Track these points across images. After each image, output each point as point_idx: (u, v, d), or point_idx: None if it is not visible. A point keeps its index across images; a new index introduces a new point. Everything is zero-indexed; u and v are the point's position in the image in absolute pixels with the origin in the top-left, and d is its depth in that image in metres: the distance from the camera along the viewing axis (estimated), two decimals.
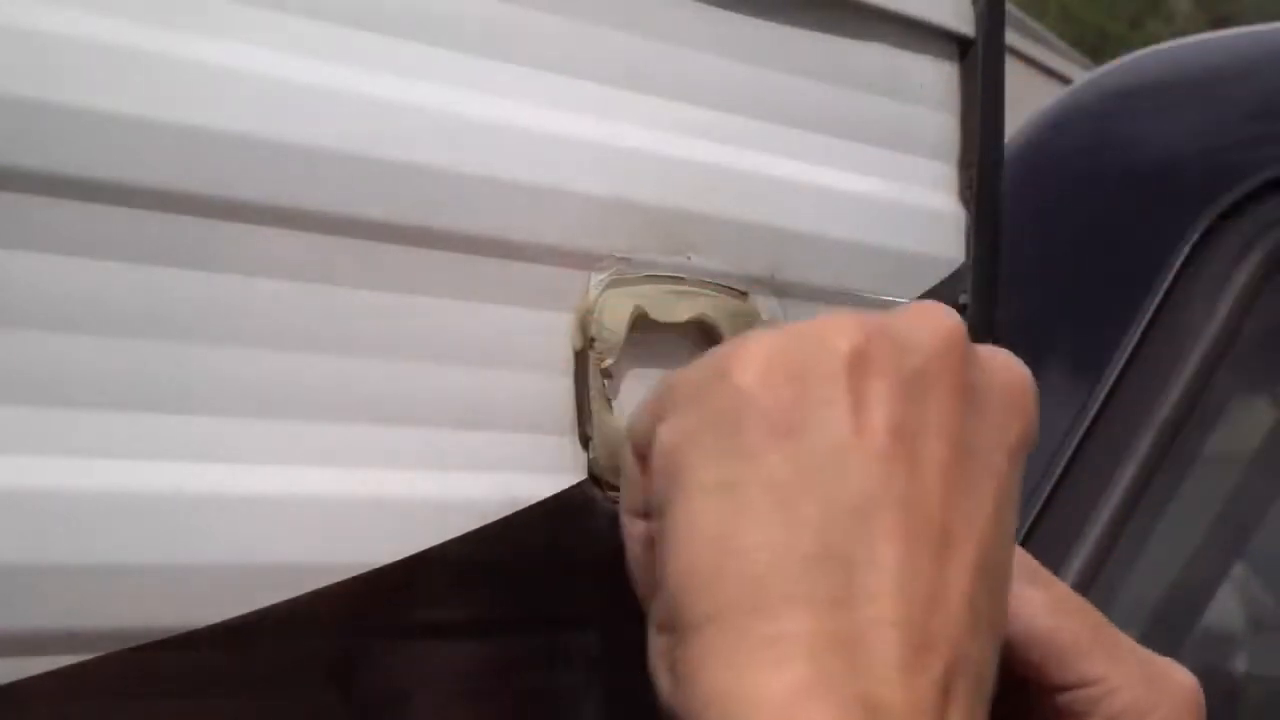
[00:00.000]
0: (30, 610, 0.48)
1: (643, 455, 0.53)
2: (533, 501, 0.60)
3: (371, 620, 0.56)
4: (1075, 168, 1.33)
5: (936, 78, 0.76)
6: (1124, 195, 1.28)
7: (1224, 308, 1.20)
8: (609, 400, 0.62)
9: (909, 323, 0.52)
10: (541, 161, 0.60)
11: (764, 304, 0.67)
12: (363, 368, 0.55)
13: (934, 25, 0.75)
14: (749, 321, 0.66)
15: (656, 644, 0.50)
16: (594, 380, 0.61)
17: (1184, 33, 3.25)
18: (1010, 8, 1.21)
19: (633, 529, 0.55)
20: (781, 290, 0.68)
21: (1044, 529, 1.16)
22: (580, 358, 0.62)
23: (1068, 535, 1.16)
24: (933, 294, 0.75)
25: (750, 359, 0.51)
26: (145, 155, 0.49)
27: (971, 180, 0.77)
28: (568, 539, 0.61)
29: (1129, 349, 1.20)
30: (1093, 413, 1.20)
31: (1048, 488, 1.17)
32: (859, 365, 0.50)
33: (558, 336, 0.61)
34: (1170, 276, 1.21)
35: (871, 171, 0.73)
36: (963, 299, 0.77)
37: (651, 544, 0.53)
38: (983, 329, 0.77)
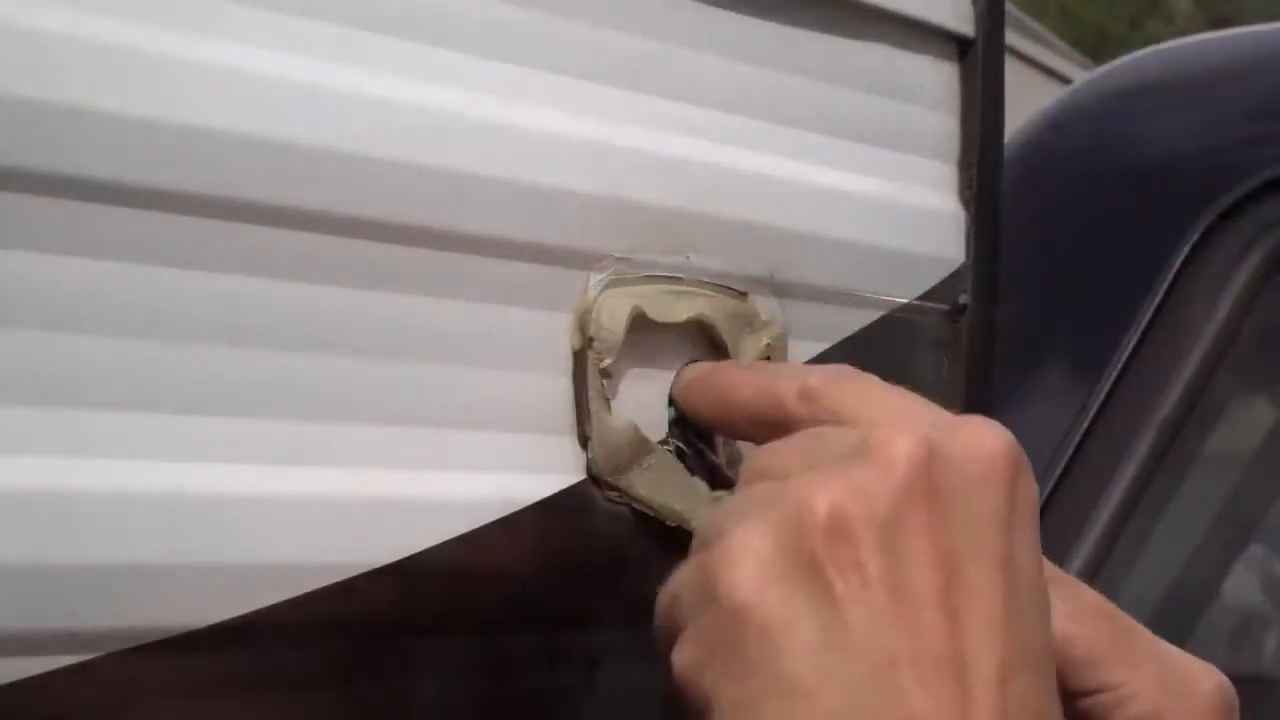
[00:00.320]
0: (30, 610, 0.48)
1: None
2: (532, 501, 0.60)
3: (371, 620, 0.56)
4: (1075, 168, 1.33)
5: (936, 78, 0.76)
6: (1124, 195, 1.28)
7: (1224, 308, 1.20)
8: (608, 400, 0.62)
9: (878, 457, 0.52)
10: (541, 161, 0.60)
11: (763, 304, 0.67)
12: (362, 368, 0.55)
13: (934, 25, 0.75)
14: (748, 321, 0.66)
15: None
16: (593, 380, 0.61)
17: (1184, 33, 3.26)
18: (1010, 8, 1.21)
19: None
20: (781, 290, 0.68)
21: (1044, 529, 1.16)
22: (579, 358, 0.62)
23: (1068, 535, 1.16)
24: (933, 294, 0.75)
25: (735, 575, 0.51)
26: (145, 155, 0.49)
27: (971, 180, 0.77)
28: (567, 539, 0.61)
29: (1129, 349, 1.20)
30: (1093, 413, 1.20)
31: (1048, 488, 1.17)
32: (837, 534, 0.51)
33: (557, 336, 0.61)
34: (1170, 276, 1.21)
35: (871, 171, 0.73)
36: (963, 299, 0.77)
37: None
38: (983, 329, 0.77)
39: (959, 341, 0.77)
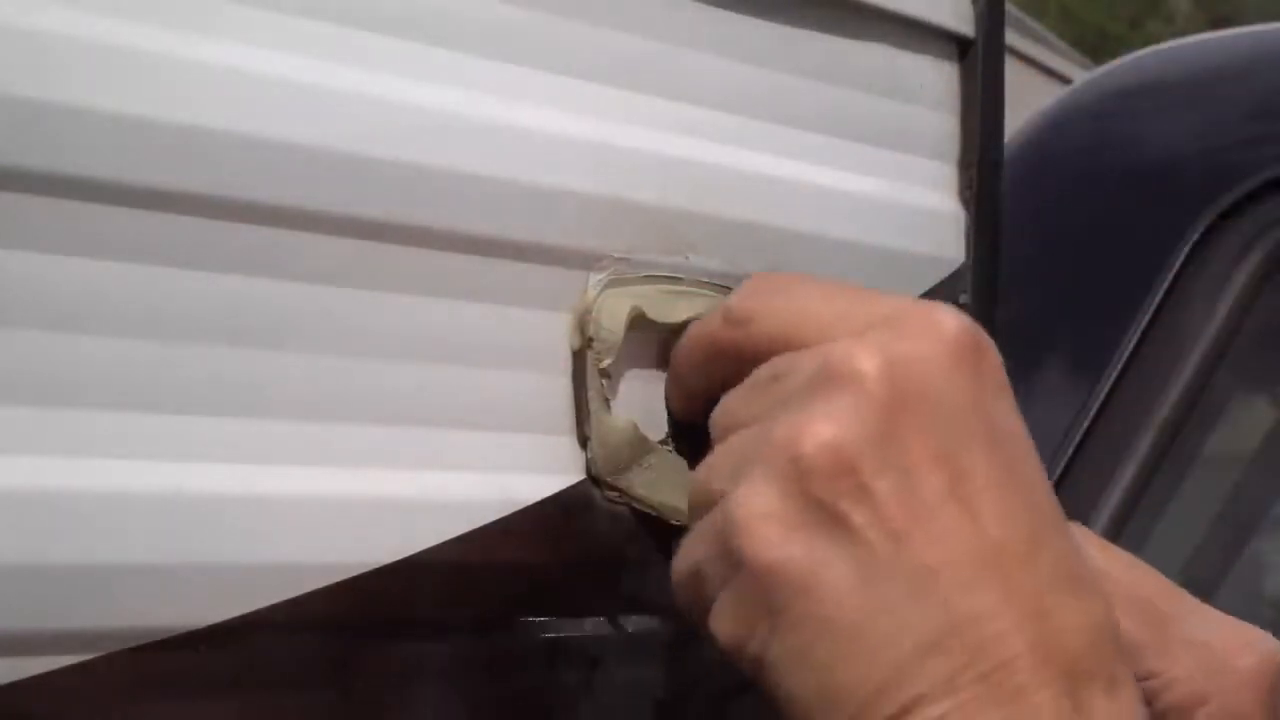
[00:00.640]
0: (30, 610, 0.48)
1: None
2: (532, 501, 0.60)
3: (371, 620, 0.56)
4: (1075, 168, 1.33)
5: (936, 78, 0.76)
6: (1124, 195, 1.28)
7: (1224, 308, 1.20)
8: (607, 400, 0.62)
9: (842, 387, 0.52)
10: (541, 161, 0.60)
11: None
12: (362, 368, 0.55)
13: (934, 25, 0.75)
14: None
15: None
16: (592, 380, 0.61)
17: (1184, 33, 3.26)
18: (1010, 8, 1.21)
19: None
20: None
21: None
22: (579, 357, 0.62)
23: None
24: (933, 294, 0.75)
25: (752, 539, 0.51)
26: (145, 155, 0.49)
27: (971, 180, 0.77)
28: (567, 539, 0.61)
29: (1129, 349, 1.20)
30: (1093, 413, 1.20)
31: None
32: (836, 469, 0.51)
33: (556, 336, 0.61)
34: (1170, 276, 1.21)
35: (871, 171, 0.73)
36: (963, 299, 0.77)
37: None
38: (983, 329, 0.77)
39: None
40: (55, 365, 0.48)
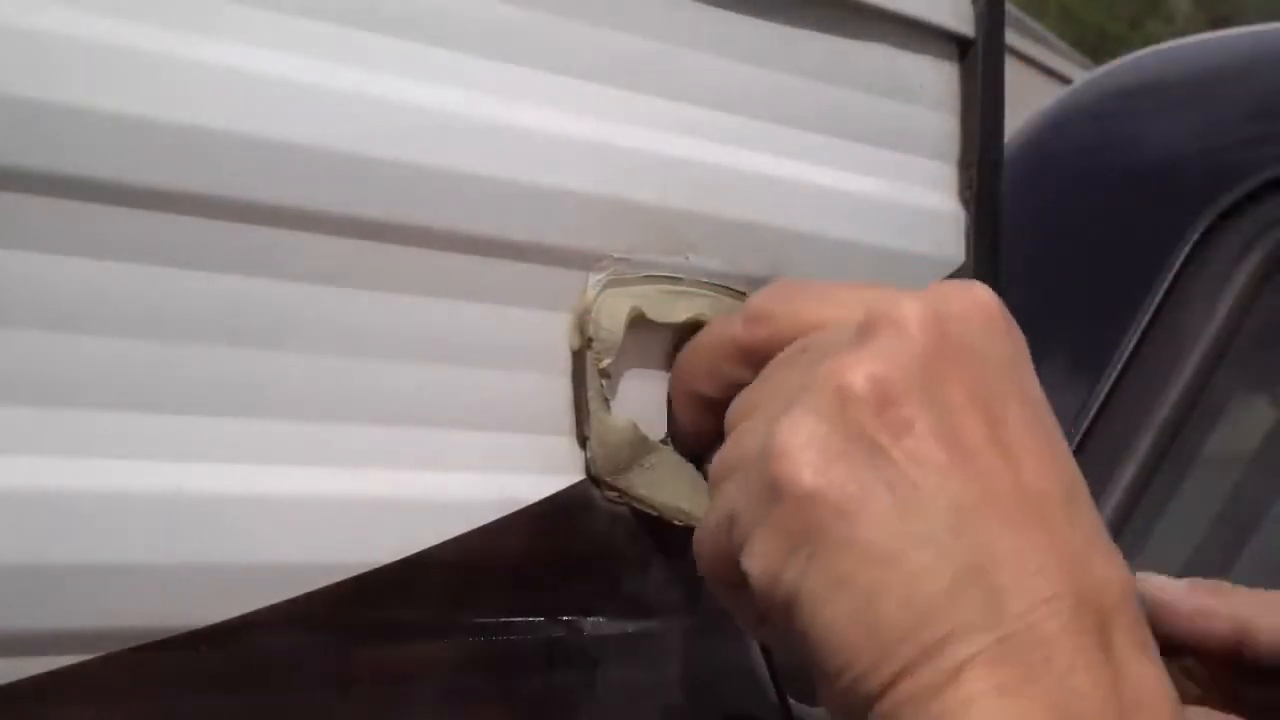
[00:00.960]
0: (30, 610, 0.48)
1: (731, 579, 0.54)
2: (531, 501, 0.60)
3: (371, 620, 0.56)
4: (1075, 168, 1.33)
5: (936, 78, 0.76)
6: (1124, 195, 1.28)
7: (1224, 308, 1.20)
8: (607, 400, 0.62)
9: (888, 330, 0.52)
10: (541, 161, 0.60)
11: None
12: (363, 368, 0.55)
13: (934, 25, 0.75)
14: None
15: (839, 716, 0.52)
16: (592, 380, 0.61)
17: (1184, 33, 3.26)
18: (1010, 8, 1.21)
19: (763, 636, 0.57)
20: None
21: None
22: (578, 358, 0.62)
23: None
24: None
25: (793, 465, 0.51)
26: (145, 155, 0.49)
27: (971, 180, 0.77)
28: (566, 539, 0.61)
29: (1129, 349, 1.20)
30: (1093, 413, 1.20)
31: None
32: (881, 401, 0.51)
33: (556, 336, 0.61)
34: (1170, 276, 1.21)
35: (871, 171, 0.73)
36: None
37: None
38: None
39: None
40: (55, 365, 0.48)
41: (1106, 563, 0.51)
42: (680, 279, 0.65)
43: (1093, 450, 1.19)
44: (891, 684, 0.49)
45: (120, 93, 0.48)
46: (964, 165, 0.77)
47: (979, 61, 0.77)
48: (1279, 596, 0.67)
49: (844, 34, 0.72)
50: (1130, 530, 1.20)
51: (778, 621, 0.52)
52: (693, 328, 0.65)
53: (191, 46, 0.50)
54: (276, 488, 0.53)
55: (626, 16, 0.63)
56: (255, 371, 0.52)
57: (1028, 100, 1.53)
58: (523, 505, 0.59)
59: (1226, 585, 0.67)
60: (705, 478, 0.64)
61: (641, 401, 0.64)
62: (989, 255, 0.78)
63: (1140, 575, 0.59)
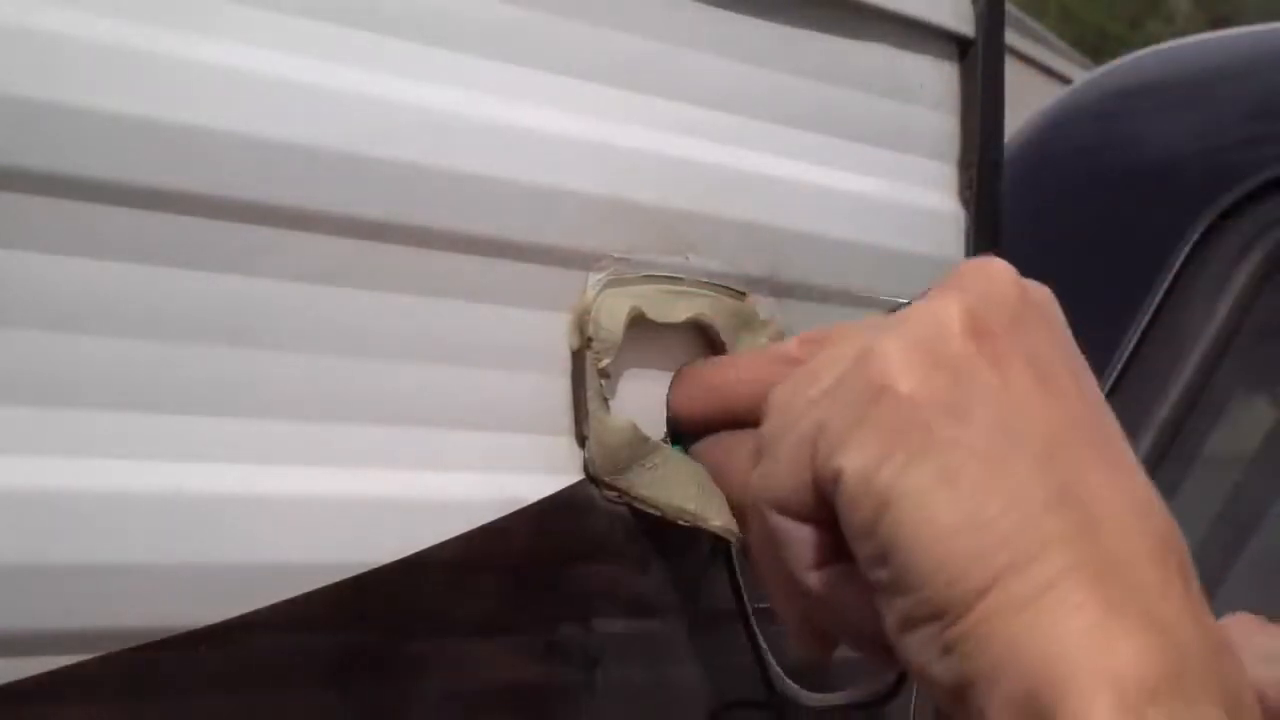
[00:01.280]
0: (30, 610, 0.48)
1: (799, 509, 0.55)
2: (532, 501, 0.60)
3: (371, 620, 0.56)
4: (1075, 168, 1.33)
5: (936, 78, 0.76)
6: (1124, 195, 1.28)
7: (1224, 307, 1.20)
8: (606, 400, 0.62)
9: (979, 277, 0.55)
10: (541, 161, 0.60)
11: (763, 304, 0.67)
12: (362, 367, 0.55)
13: (934, 25, 0.75)
14: (747, 321, 0.66)
15: (914, 641, 0.52)
16: (591, 380, 0.61)
17: (1184, 33, 3.26)
18: (1010, 8, 1.21)
19: (817, 578, 0.56)
20: (781, 290, 0.68)
21: None
22: (578, 358, 0.62)
23: None
24: None
25: (895, 365, 0.52)
26: (145, 155, 0.49)
27: (971, 180, 0.77)
28: (566, 539, 0.61)
29: (1129, 349, 1.20)
30: None
31: None
32: (979, 331, 0.53)
33: (556, 336, 0.61)
34: (1170, 276, 1.20)
35: (871, 171, 0.73)
36: None
37: (846, 579, 0.54)
38: None
39: None
40: (55, 365, 0.48)
41: (1168, 515, 0.53)
42: (680, 279, 0.65)
43: None
44: (985, 590, 0.50)
45: (120, 93, 0.48)
46: (964, 165, 0.77)
47: (979, 61, 0.77)
48: (1259, 641, 0.67)
49: (844, 34, 0.72)
50: None
51: (861, 529, 0.52)
52: (693, 327, 0.65)
53: (191, 46, 0.50)
54: (276, 488, 0.53)
55: (626, 16, 0.63)
56: (255, 371, 0.52)
57: (1028, 100, 1.53)
58: (523, 505, 0.59)
59: None
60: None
61: (641, 401, 0.64)
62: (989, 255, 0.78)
63: None
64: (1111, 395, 1.20)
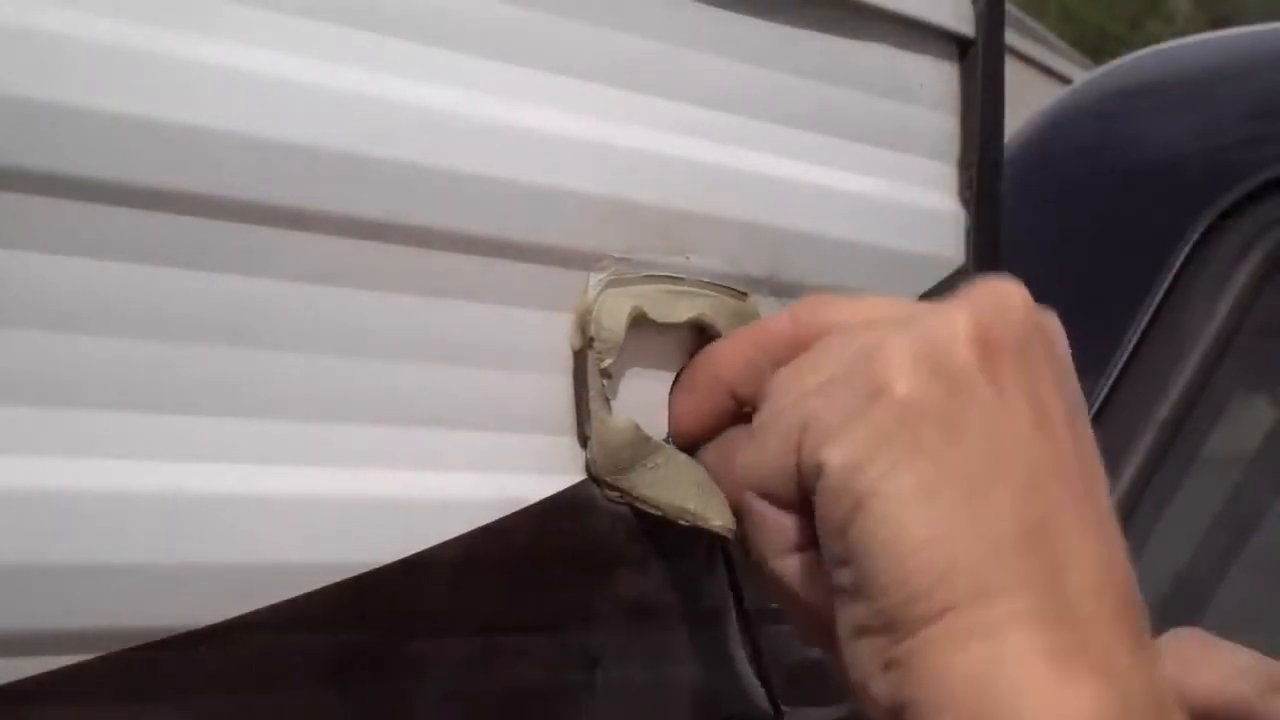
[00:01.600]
0: (30, 610, 0.48)
1: (779, 495, 0.55)
2: (532, 501, 0.59)
3: (371, 620, 0.56)
4: (1075, 168, 1.33)
5: (936, 78, 0.76)
6: (1124, 195, 1.28)
7: (1224, 307, 1.20)
8: (608, 400, 0.62)
9: (994, 296, 0.54)
10: (541, 161, 0.60)
11: (763, 304, 0.67)
12: (362, 367, 0.55)
13: (934, 25, 0.75)
14: (748, 321, 0.66)
15: (861, 650, 0.52)
16: (593, 380, 0.61)
17: (1184, 33, 3.26)
18: (1010, 8, 1.21)
19: (785, 566, 0.56)
20: (781, 290, 0.68)
21: None
22: (579, 358, 0.62)
23: None
24: (933, 294, 0.75)
25: (896, 367, 0.52)
26: (145, 155, 0.49)
27: (971, 180, 0.77)
28: (567, 539, 0.61)
29: (1129, 349, 1.20)
30: (1093, 413, 1.20)
31: None
32: (985, 349, 0.53)
33: (557, 336, 0.61)
34: (1170, 276, 1.21)
35: (871, 171, 0.73)
36: None
37: (813, 571, 0.54)
38: None
39: None
40: (55, 365, 0.48)
41: (1125, 557, 0.53)
42: (681, 279, 0.65)
43: None
44: (941, 614, 0.49)
45: (120, 93, 0.48)
46: (964, 165, 0.77)
47: (979, 61, 0.77)
48: (1214, 656, 0.67)
49: (844, 34, 0.72)
50: (1131, 530, 1.19)
51: (834, 528, 0.52)
52: (694, 328, 0.65)
53: (191, 46, 0.50)
54: (276, 488, 0.53)
55: (626, 16, 0.63)
56: (255, 371, 0.52)
57: (1028, 100, 1.53)
58: (523, 505, 0.59)
59: (1160, 646, 0.67)
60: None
61: (643, 401, 0.63)
62: (989, 255, 0.78)
63: None
64: (1111, 395, 1.20)
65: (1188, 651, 0.68)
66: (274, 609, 0.52)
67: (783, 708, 0.69)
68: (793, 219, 0.69)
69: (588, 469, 0.62)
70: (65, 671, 0.48)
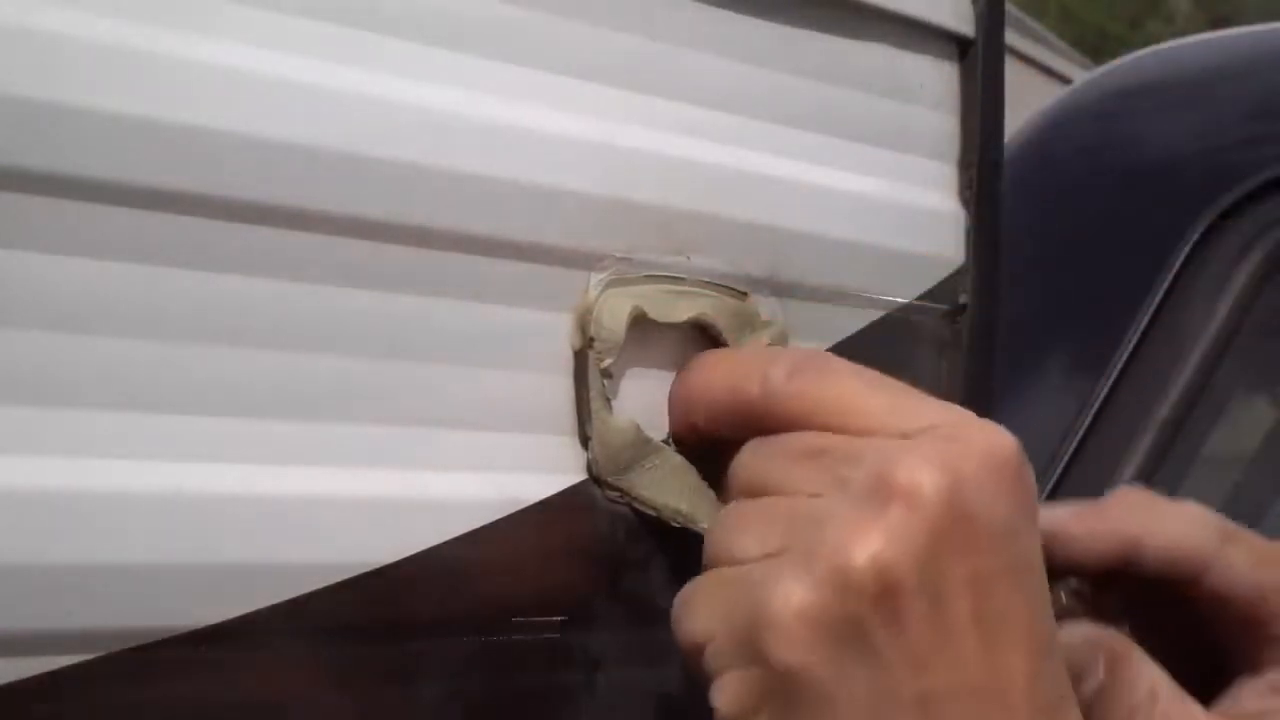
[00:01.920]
0: (30, 610, 0.48)
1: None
2: (532, 501, 0.59)
3: (372, 620, 0.56)
4: (1075, 168, 1.33)
5: (936, 78, 0.76)
6: (1124, 195, 1.28)
7: (1224, 307, 1.20)
8: (608, 400, 0.62)
9: (900, 497, 0.52)
10: (541, 161, 0.60)
11: (764, 304, 0.67)
12: (362, 368, 0.55)
13: (934, 25, 0.75)
14: (748, 321, 0.66)
15: None
16: (593, 380, 0.61)
17: (1184, 33, 3.25)
18: (1010, 8, 1.21)
19: None
20: (781, 290, 0.68)
21: None
22: (580, 358, 0.62)
23: None
24: (932, 294, 0.75)
25: (783, 638, 0.52)
26: (145, 155, 0.49)
27: (971, 180, 0.77)
28: (567, 539, 0.61)
29: (1129, 349, 1.20)
30: (1093, 413, 1.20)
31: (1048, 488, 1.17)
32: (880, 591, 0.51)
33: (557, 336, 0.61)
34: (1170, 276, 1.21)
35: (871, 171, 0.73)
36: (963, 299, 0.77)
37: None
38: (983, 329, 0.77)
39: (959, 341, 0.77)
40: (55, 365, 0.48)
41: None
42: (681, 279, 0.65)
43: (1093, 450, 1.19)
44: None
45: (120, 93, 0.48)
46: (964, 165, 0.77)
47: (979, 61, 0.77)
48: (1166, 508, 0.66)
49: (844, 34, 0.72)
50: None
51: None
52: (694, 327, 0.65)
53: (191, 46, 0.50)
54: (276, 488, 0.53)
55: (626, 16, 0.63)
56: (255, 371, 0.52)
57: (1028, 100, 1.53)
58: (523, 505, 0.59)
59: (1111, 502, 0.66)
60: (703, 479, 0.64)
61: (643, 401, 0.64)
62: (989, 255, 0.78)
63: None
64: (1111, 395, 1.20)
65: (1137, 506, 0.67)
66: (274, 609, 0.52)
67: None
68: (793, 219, 0.69)
69: (588, 469, 0.62)
70: (65, 671, 0.48)
